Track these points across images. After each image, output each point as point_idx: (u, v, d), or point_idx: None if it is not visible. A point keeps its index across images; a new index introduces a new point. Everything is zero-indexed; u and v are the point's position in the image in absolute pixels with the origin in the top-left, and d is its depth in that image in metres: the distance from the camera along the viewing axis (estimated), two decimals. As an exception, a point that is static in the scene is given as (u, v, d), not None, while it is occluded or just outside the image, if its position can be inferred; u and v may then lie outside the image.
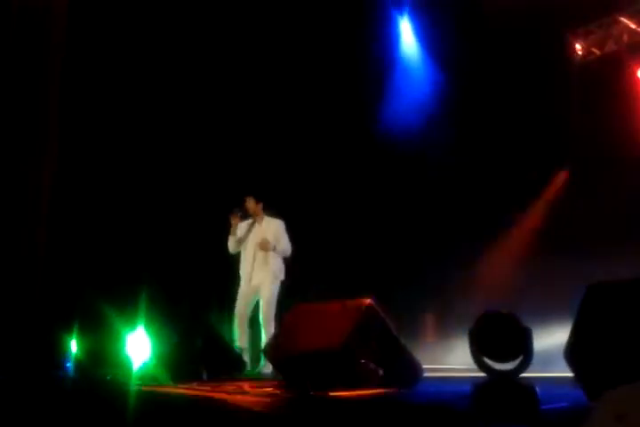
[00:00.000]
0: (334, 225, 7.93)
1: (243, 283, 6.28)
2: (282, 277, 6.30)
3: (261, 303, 6.14)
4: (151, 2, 6.95)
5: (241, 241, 6.37)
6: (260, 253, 6.28)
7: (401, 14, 9.40)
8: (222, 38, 7.40)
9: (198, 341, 4.81)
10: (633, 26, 8.99)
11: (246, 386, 3.84)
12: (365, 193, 8.34)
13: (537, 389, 2.76)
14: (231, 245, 6.41)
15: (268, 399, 3.31)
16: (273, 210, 6.49)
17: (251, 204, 6.47)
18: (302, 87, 7.83)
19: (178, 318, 5.17)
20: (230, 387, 3.85)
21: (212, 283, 6.96)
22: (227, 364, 4.61)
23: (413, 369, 4.19)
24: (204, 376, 4.55)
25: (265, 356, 4.48)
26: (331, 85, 8.01)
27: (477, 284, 8.24)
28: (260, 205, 6.48)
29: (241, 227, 6.43)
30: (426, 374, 4.43)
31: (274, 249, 6.23)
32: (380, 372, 3.97)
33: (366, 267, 7.87)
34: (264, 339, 5.80)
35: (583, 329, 2.92)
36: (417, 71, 9.33)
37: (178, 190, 7.06)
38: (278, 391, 3.71)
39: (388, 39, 9.16)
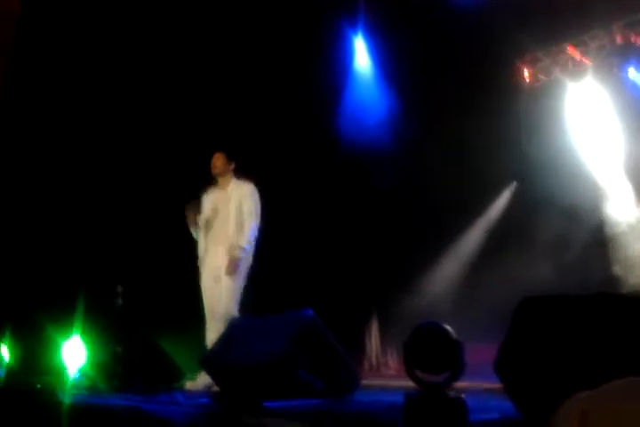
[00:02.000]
0: (275, 236, 7.91)
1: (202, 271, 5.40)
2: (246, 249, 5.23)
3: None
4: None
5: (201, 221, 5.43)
6: (217, 227, 5.30)
7: (355, 33, 9.44)
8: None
9: (135, 349, 4.74)
10: (577, 56, 9.33)
11: (181, 397, 3.80)
12: (306, 204, 8.35)
13: (467, 400, 2.82)
14: (195, 233, 5.50)
15: (202, 411, 3.28)
16: (247, 177, 5.48)
17: (219, 162, 5.37)
18: (253, 107, 7.82)
19: (115, 325, 5.09)
20: (164, 398, 3.81)
21: (154, 290, 6.79)
22: (164, 374, 4.54)
23: (352, 379, 4.22)
24: (141, 386, 4.48)
25: (202, 366, 4.44)
26: (282, 102, 7.99)
27: (421, 295, 8.34)
28: (231, 167, 5.42)
29: (206, 200, 5.47)
30: (366, 383, 4.47)
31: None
32: (318, 383, 3.98)
33: (307, 278, 7.85)
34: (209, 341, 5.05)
35: (514, 342, 2.99)
36: (369, 91, 9.44)
37: (111, 198, 6.87)
38: (213, 403, 3.68)
39: (342, 58, 9.19)
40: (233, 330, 4.52)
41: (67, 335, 4.97)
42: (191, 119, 7.30)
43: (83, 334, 4.97)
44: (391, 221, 8.73)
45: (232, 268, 5.15)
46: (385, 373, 7.61)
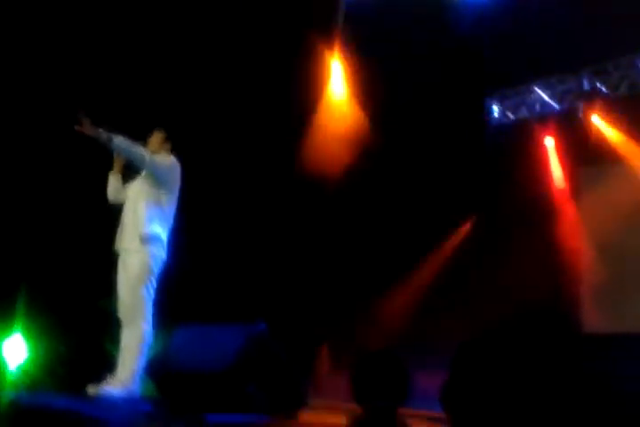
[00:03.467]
0: (230, 243, 7.85)
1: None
2: (155, 243, 4.62)
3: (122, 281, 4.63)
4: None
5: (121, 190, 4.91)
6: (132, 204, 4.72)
7: (332, 54, 9.39)
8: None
9: (78, 350, 4.64)
10: (545, 97, 9.59)
11: (122, 402, 3.73)
12: (269, 216, 8.33)
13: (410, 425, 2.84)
14: (110, 190, 4.96)
15: (141, 417, 3.23)
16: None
17: (155, 139, 4.89)
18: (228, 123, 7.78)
19: (60, 326, 4.98)
20: (105, 401, 3.73)
21: (96, 283, 6.42)
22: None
23: (299, 397, 4.19)
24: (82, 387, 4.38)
25: (146, 373, 4.36)
26: (254, 118, 7.96)
27: (378, 318, 8.37)
28: (168, 146, 4.94)
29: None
30: (313, 404, 4.44)
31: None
32: (264, 397, 3.95)
33: (261, 290, 7.81)
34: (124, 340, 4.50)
35: (456, 377, 3.04)
36: (342, 113, 9.44)
37: (52, 189, 6.58)
38: (153, 411, 3.62)
39: (317, 78, 9.16)
40: (179, 336, 4.46)
41: (8, 332, 4.86)
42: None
43: (24, 331, 4.85)
44: (354, 244, 8.75)
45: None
46: (332, 395, 7.54)
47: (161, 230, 4.71)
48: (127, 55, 7.04)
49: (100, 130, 4.48)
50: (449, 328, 7.06)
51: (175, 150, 4.97)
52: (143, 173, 4.83)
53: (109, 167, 5.03)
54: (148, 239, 4.61)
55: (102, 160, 5.02)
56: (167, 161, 4.85)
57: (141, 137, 4.90)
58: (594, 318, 7.97)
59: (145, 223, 4.64)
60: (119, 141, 4.53)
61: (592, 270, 8.44)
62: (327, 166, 8.46)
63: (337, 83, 9.45)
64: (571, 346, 3.04)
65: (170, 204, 4.81)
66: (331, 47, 9.10)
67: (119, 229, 4.79)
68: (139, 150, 4.65)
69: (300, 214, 8.55)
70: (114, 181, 4.97)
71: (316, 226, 8.71)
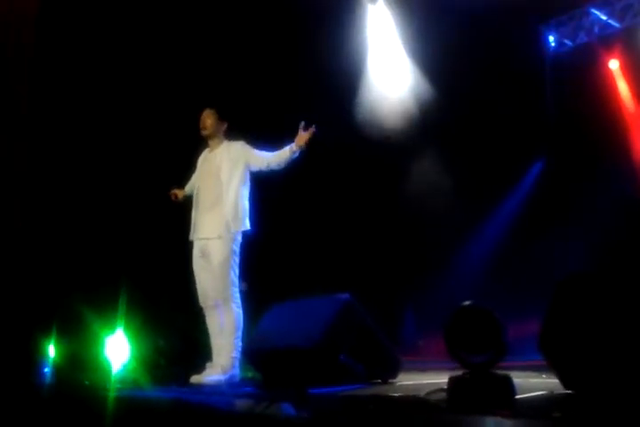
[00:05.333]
0: (311, 222, 7.87)
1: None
2: (242, 226, 4.54)
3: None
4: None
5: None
6: (210, 192, 4.62)
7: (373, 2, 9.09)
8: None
9: (178, 343, 4.77)
10: (604, 17, 9.06)
11: (225, 387, 3.82)
12: (341, 191, 8.26)
13: (512, 379, 2.78)
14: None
15: (247, 400, 3.29)
16: (243, 138, 4.76)
17: (209, 120, 4.70)
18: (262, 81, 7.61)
19: (157, 320, 5.13)
20: (208, 388, 3.83)
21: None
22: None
23: (393, 363, 4.21)
24: (184, 378, 4.52)
25: (244, 355, 4.45)
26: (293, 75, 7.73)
27: (454, 276, 8.27)
28: (224, 126, 4.77)
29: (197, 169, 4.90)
30: (407, 367, 4.45)
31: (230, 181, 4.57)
32: (360, 367, 3.98)
33: (343, 264, 7.82)
34: (214, 325, 4.51)
35: (556, 319, 2.94)
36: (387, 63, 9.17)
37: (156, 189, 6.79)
38: (257, 391, 3.69)
39: (357, 30, 8.85)
40: (271, 316, 4.52)
41: (110, 330, 5.02)
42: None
43: (125, 328, 5.01)
44: (419, 205, 8.60)
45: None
46: (424, 356, 7.56)
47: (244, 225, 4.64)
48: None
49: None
50: (529, 276, 6.90)
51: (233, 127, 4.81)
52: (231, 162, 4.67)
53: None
54: (237, 224, 4.56)
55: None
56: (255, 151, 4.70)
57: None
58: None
59: (232, 210, 4.55)
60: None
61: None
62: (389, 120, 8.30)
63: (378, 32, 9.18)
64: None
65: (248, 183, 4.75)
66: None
67: (194, 218, 4.73)
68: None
69: (364, 183, 8.40)
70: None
71: (382, 192, 8.58)
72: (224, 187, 4.58)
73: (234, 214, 4.53)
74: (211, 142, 4.80)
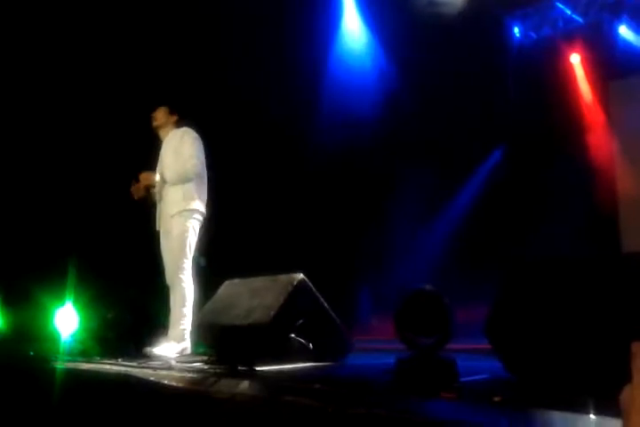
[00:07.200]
0: (270, 201, 7.86)
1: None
2: (192, 205, 4.80)
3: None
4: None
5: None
6: (162, 179, 4.93)
7: None
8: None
9: (128, 316, 4.75)
10: (568, 11, 9.17)
11: (173, 361, 3.82)
12: (301, 172, 8.27)
13: (457, 362, 2.85)
14: (157, 194, 5.09)
15: (194, 375, 3.30)
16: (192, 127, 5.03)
17: (160, 114, 5.06)
18: (232, 71, 7.56)
19: (107, 292, 5.09)
20: (156, 362, 3.83)
21: (144, 255, 6.64)
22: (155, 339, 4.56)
23: (343, 343, 4.25)
24: (133, 351, 4.51)
25: (195, 330, 4.46)
26: (262, 68, 7.73)
27: (413, 258, 8.36)
28: (174, 118, 5.09)
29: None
30: (358, 347, 4.51)
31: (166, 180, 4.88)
32: (310, 346, 4.01)
33: (300, 243, 7.84)
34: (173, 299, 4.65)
35: (502, 305, 3.01)
36: (358, 50, 9.17)
37: (104, 161, 6.72)
38: (206, 367, 3.70)
39: (329, 16, 8.88)
40: (224, 292, 4.53)
41: (60, 302, 4.98)
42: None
43: (75, 300, 4.97)
44: (379, 185, 8.68)
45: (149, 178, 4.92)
46: (376, 337, 7.65)
47: (198, 202, 4.88)
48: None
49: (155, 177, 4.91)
50: (485, 261, 7.02)
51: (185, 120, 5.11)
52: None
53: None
54: (187, 213, 4.80)
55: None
56: (197, 149, 4.91)
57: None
58: (633, 238, 7.80)
59: (183, 200, 4.81)
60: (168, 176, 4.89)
61: (627, 187, 8.23)
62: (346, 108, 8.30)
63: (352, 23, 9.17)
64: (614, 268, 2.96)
65: (203, 172, 4.97)
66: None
67: (158, 209, 4.99)
68: (186, 174, 4.81)
69: (320, 151, 8.39)
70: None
71: (343, 163, 8.59)
72: (166, 171, 4.92)
73: (182, 194, 4.79)
74: (161, 133, 5.11)
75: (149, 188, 5.00)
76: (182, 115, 5.12)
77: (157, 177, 4.98)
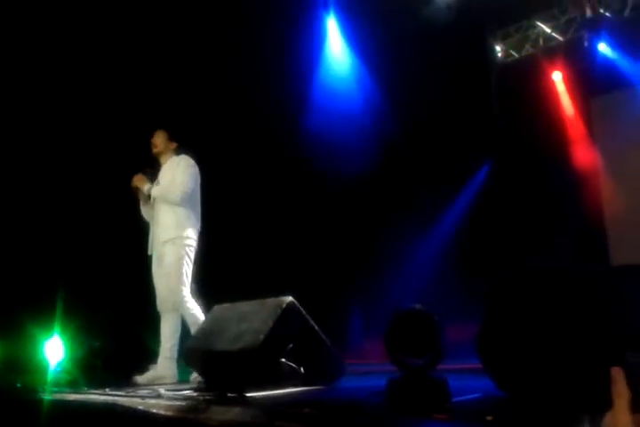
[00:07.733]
0: (257, 224, 7.83)
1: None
2: (184, 233, 4.84)
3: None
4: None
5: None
6: (158, 207, 4.94)
7: (327, 12, 9.04)
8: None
9: (115, 345, 4.70)
10: (548, 30, 9.30)
11: (162, 390, 3.76)
12: (284, 192, 8.25)
13: (449, 382, 2.81)
14: (145, 213, 5.19)
15: (183, 403, 3.24)
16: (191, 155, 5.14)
17: (159, 140, 5.12)
18: (219, 89, 7.60)
19: (94, 321, 5.04)
20: (144, 391, 3.76)
21: (132, 282, 6.59)
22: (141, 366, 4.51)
23: (335, 366, 4.19)
24: (121, 380, 4.45)
25: (182, 356, 4.41)
26: (247, 85, 7.73)
27: (402, 278, 8.32)
28: (173, 146, 5.17)
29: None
30: (352, 370, 4.46)
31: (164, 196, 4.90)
32: (301, 370, 3.96)
33: (290, 265, 7.79)
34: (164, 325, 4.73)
35: (491, 322, 2.99)
36: (342, 73, 9.21)
37: (90, 190, 6.69)
38: (195, 394, 3.64)
39: (312, 39, 8.92)
40: (212, 317, 4.48)
41: (48, 333, 4.93)
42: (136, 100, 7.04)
43: (62, 330, 4.92)
44: (367, 206, 8.67)
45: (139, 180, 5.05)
46: (369, 360, 7.58)
47: (191, 230, 4.93)
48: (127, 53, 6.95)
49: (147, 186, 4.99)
50: (474, 278, 7.00)
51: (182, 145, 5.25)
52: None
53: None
54: (181, 240, 4.86)
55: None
56: (191, 177, 4.97)
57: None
58: (620, 250, 7.83)
59: (176, 227, 4.87)
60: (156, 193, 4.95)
61: (613, 201, 8.28)
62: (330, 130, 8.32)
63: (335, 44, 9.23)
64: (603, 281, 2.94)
65: (197, 200, 5.05)
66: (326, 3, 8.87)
67: (151, 233, 5.04)
68: (173, 195, 4.88)
69: (306, 175, 8.39)
70: (145, 208, 5.19)
71: (329, 188, 8.59)
72: (160, 198, 4.96)
73: (175, 221, 4.86)
74: (161, 159, 5.17)
75: (136, 191, 5.10)
76: (180, 141, 5.24)
77: (148, 186, 5.04)
